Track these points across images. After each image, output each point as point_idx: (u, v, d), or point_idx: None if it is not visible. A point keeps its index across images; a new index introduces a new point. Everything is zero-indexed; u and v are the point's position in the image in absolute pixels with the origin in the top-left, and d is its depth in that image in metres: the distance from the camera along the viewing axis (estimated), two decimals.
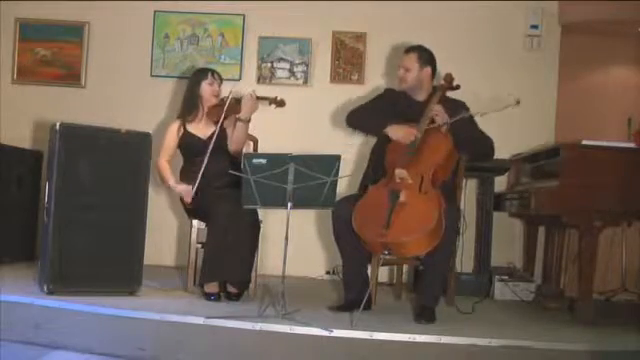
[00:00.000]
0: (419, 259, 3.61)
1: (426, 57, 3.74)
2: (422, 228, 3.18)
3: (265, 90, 4.86)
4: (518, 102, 3.54)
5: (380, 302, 3.72)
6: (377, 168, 3.66)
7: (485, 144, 3.67)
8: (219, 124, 3.77)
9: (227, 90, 3.90)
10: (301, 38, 5.09)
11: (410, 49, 3.80)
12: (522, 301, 4.23)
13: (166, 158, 3.87)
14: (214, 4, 5.13)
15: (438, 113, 3.51)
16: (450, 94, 3.72)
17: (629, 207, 3.50)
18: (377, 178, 3.57)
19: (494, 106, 3.55)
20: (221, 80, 3.96)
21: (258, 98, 3.77)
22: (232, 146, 3.84)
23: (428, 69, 3.73)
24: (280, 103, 3.82)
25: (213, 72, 3.94)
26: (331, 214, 3.51)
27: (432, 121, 3.52)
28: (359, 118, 3.76)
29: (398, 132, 3.54)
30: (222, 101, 3.84)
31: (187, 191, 3.72)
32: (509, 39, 4.99)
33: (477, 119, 3.72)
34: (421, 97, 3.74)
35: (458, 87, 3.64)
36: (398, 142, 3.53)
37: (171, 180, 3.84)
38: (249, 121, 3.79)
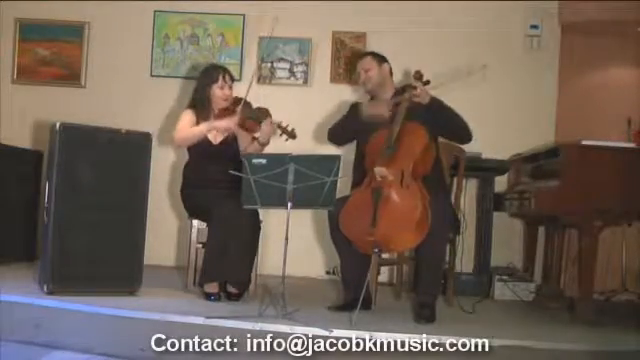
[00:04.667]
0: (414, 257, 3.61)
1: (380, 57, 3.80)
2: (407, 222, 3.21)
3: (265, 90, 4.90)
4: (484, 66, 3.53)
5: (380, 302, 3.72)
6: (358, 171, 3.68)
7: (463, 121, 3.62)
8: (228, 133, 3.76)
9: (235, 89, 3.90)
10: (301, 38, 5.09)
11: (362, 54, 3.94)
12: (522, 301, 4.23)
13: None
14: (214, 4, 5.13)
15: (419, 93, 3.49)
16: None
17: (629, 207, 3.50)
18: (360, 180, 3.58)
19: (459, 75, 3.52)
20: (232, 81, 3.88)
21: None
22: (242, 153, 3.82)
23: (386, 65, 3.78)
24: (291, 135, 3.76)
25: (225, 74, 3.82)
26: (327, 215, 3.52)
27: (409, 107, 3.51)
28: (335, 130, 3.82)
29: (372, 109, 3.62)
30: (234, 103, 3.80)
31: (229, 121, 3.68)
32: (509, 39, 4.99)
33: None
34: (387, 95, 3.74)
35: (428, 82, 3.61)
36: (375, 142, 3.53)
37: (203, 126, 3.72)
38: (267, 144, 3.79)
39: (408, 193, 3.31)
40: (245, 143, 3.87)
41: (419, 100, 3.49)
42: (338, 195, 3.39)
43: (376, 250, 3.28)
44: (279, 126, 3.76)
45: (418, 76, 3.62)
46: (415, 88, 3.51)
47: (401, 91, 3.66)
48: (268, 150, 3.78)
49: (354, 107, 3.83)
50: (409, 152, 3.43)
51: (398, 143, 3.46)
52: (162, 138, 4.41)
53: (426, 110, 3.51)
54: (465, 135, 3.64)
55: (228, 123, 3.72)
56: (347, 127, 3.78)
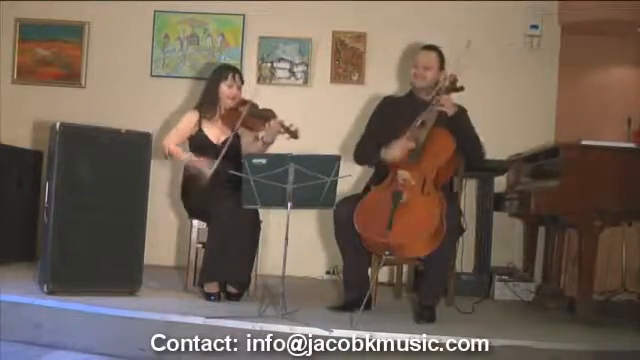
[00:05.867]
0: (419, 259, 3.61)
1: (443, 60, 3.70)
2: (424, 230, 3.20)
3: (265, 91, 4.88)
4: (468, 43, 3.53)
5: (380, 302, 3.71)
6: (380, 169, 3.66)
7: (480, 145, 3.66)
8: (232, 134, 3.73)
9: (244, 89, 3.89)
10: (301, 38, 5.09)
11: (430, 47, 3.74)
12: (522, 301, 4.23)
13: (175, 143, 3.78)
14: (214, 4, 5.13)
15: (444, 103, 3.47)
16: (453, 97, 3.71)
17: (629, 207, 3.49)
18: (380, 179, 3.57)
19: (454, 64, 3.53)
20: (242, 81, 3.89)
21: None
22: (244, 151, 3.81)
23: (444, 72, 3.68)
24: (294, 135, 3.72)
25: (234, 73, 3.85)
26: (333, 214, 3.51)
27: (439, 115, 3.49)
28: (361, 157, 3.73)
29: (393, 153, 3.50)
30: (240, 104, 3.79)
31: (208, 164, 3.64)
32: (509, 39, 4.99)
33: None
34: (427, 97, 3.70)
35: (462, 89, 3.58)
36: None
37: (185, 155, 3.75)
38: (272, 144, 3.77)
39: (428, 201, 3.30)
40: (248, 143, 3.86)
41: (444, 110, 3.47)
42: (349, 193, 3.38)
43: (387, 253, 3.26)
44: (282, 125, 3.74)
45: (452, 80, 3.57)
46: (447, 92, 3.50)
47: (435, 94, 3.58)
48: (271, 149, 3.77)
49: (387, 100, 3.82)
50: (434, 159, 3.42)
51: (424, 149, 3.44)
52: (162, 138, 4.39)
53: (450, 118, 3.51)
54: (477, 157, 3.64)
55: (204, 166, 3.65)
56: (373, 139, 3.68)
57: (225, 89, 3.81)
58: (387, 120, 3.71)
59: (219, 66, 4.05)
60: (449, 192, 3.53)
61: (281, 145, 3.77)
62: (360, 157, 3.75)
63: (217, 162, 3.59)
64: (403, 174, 3.39)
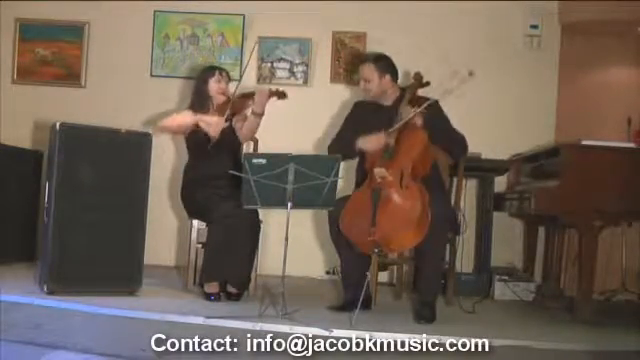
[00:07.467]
0: (414, 257, 3.62)
1: (382, 65, 3.70)
2: (407, 220, 3.24)
3: None
4: (471, 73, 3.56)
5: (380, 302, 3.72)
6: (360, 172, 3.69)
7: (458, 137, 3.66)
8: (227, 120, 3.78)
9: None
10: (301, 38, 5.09)
11: (365, 59, 3.79)
12: (522, 301, 4.23)
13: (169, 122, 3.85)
14: (214, 4, 5.13)
15: (413, 115, 3.49)
16: (421, 92, 3.70)
17: (629, 207, 3.50)
18: (360, 182, 3.60)
19: (451, 84, 3.52)
20: (229, 78, 3.96)
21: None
22: (242, 137, 3.89)
23: (387, 76, 3.68)
24: (282, 95, 3.77)
25: (220, 70, 3.93)
26: (328, 215, 3.52)
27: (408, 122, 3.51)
28: (337, 146, 3.74)
29: (367, 143, 3.54)
30: (229, 98, 3.85)
31: (219, 122, 3.72)
32: (509, 39, 4.99)
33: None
34: (388, 102, 3.71)
35: (428, 84, 3.64)
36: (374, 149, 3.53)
37: (193, 117, 3.78)
38: (262, 114, 3.79)
39: (407, 193, 3.33)
40: (240, 127, 3.89)
41: (412, 122, 3.47)
42: (339, 195, 3.40)
43: (376, 250, 3.30)
44: (269, 90, 3.78)
45: (418, 78, 3.64)
46: (414, 89, 3.53)
47: (401, 97, 3.63)
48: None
49: (358, 104, 3.84)
50: (408, 153, 3.44)
51: (397, 144, 3.47)
52: (162, 138, 4.41)
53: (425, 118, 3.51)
54: (458, 150, 3.67)
55: (218, 119, 3.75)
56: (347, 134, 3.72)
57: (214, 85, 3.87)
58: (359, 122, 3.72)
59: (204, 67, 4.12)
60: (434, 183, 3.52)
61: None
62: (335, 147, 3.74)
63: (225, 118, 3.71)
64: (379, 172, 3.41)
